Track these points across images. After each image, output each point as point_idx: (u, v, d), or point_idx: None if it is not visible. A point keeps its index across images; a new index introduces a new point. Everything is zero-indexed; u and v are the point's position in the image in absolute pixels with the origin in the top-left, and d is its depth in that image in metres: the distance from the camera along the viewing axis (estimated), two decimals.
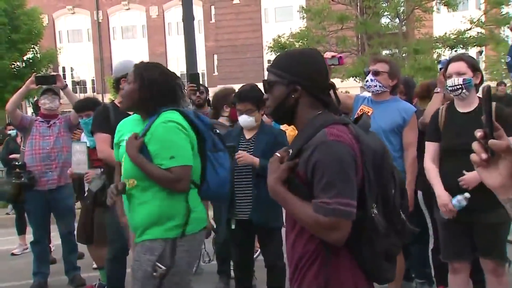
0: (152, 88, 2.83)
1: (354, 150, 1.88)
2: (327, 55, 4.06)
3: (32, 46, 18.50)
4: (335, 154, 1.84)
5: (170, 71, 3.00)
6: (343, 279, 1.92)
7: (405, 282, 4.61)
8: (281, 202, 1.95)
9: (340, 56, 4.01)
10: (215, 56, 37.71)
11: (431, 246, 4.62)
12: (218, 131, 2.90)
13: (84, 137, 5.21)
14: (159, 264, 2.72)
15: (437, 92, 4.20)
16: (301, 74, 2.00)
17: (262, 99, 4.15)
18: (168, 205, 2.77)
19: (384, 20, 21.92)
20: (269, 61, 33.89)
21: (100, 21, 39.98)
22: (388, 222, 1.97)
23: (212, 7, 37.50)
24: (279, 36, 20.93)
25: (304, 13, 21.02)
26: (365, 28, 19.87)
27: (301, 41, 19.89)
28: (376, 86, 4.08)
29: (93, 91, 37.73)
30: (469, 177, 3.42)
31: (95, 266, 5.60)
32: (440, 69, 4.42)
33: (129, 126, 3.13)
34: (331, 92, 2.07)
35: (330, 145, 1.85)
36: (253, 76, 31.08)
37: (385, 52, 20.39)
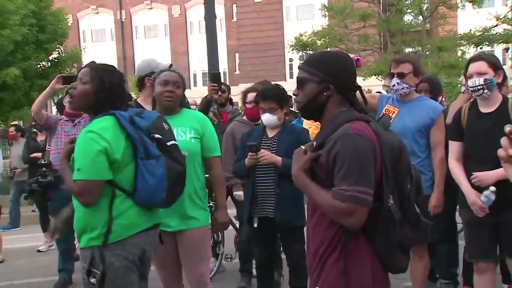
0: (112, 91, 2.82)
1: (374, 144, 2.03)
2: None
3: (58, 46, 18.75)
4: (355, 146, 1.99)
5: (121, 73, 2.99)
6: (362, 265, 2.06)
7: (429, 282, 4.56)
8: (302, 189, 2.13)
9: (358, 58, 3.99)
10: (237, 55, 37.76)
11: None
12: (158, 135, 2.83)
13: None
14: (95, 270, 2.75)
15: (462, 93, 4.16)
16: (334, 74, 2.14)
17: (285, 97, 4.16)
18: (89, 214, 2.77)
19: (407, 18, 21.71)
20: (290, 59, 33.86)
21: (123, 20, 40.33)
22: (403, 215, 2.10)
23: (234, 5, 37.55)
24: (301, 35, 20.86)
25: (326, 11, 20.92)
26: (388, 26, 19.70)
27: (323, 39, 19.81)
28: (403, 88, 4.00)
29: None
30: (483, 174, 3.40)
31: None
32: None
33: None
34: (358, 92, 2.23)
35: (351, 137, 2.00)
36: (275, 74, 31.06)
37: (408, 50, 20.21)
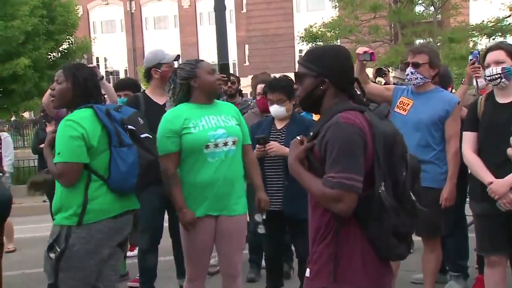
0: (86, 86, 3.11)
1: (364, 132, 2.09)
2: (359, 50, 4.01)
3: (67, 36, 18.81)
4: (344, 133, 2.06)
5: (93, 69, 3.38)
6: (352, 251, 2.12)
7: (439, 275, 4.54)
8: (297, 178, 2.20)
9: (372, 52, 3.98)
10: (246, 46, 37.68)
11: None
12: (131, 126, 3.10)
13: None
14: (56, 247, 3.03)
15: (462, 84, 4.12)
16: (329, 68, 2.22)
17: (293, 89, 4.14)
18: (66, 195, 3.05)
19: (419, 9, 21.49)
20: (300, 51, 33.66)
21: (133, 11, 40.37)
22: (398, 202, 2.13)
23: None
24: (310, 26, 20.74)
25: (336, 2, 20.76)
26: (399, 17, 19.52)
27: (333, 30, 19.68)
28: (417, 78, 3.96)
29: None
30: (496, 185, 3.38)
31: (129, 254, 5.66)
32: (470, 60, 4.33)
33: (189, 111, 3.46)
34: (356, 85, 2.30)
35: (340, 126, 2.08)
36: (285, 66, 30.95)
37: (418, 41, 20.02)
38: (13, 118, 20.75)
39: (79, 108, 3.08)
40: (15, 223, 7.30)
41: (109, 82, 16.15)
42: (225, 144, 3.42)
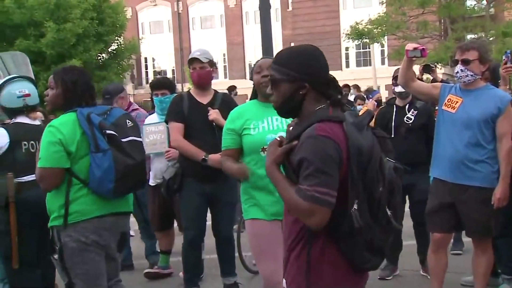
0: (75, 89, 3.21)
1: (340, 146, 2.02)
2: (409, 46, 3.89)
3: (116, 38, 19.26)
4: (319, 147, 2.00)
5: (84, 70, 3.44)
6: (323, 263, 2.09)
7: (491, 277, 4.40)
8: (272, 181, 2.15)
9: (423, 48, 3.85)
10: (292, 45, 37.44)
11: None
12: (110, 131, 3.11)
13: (153, 118, 5.29)
14: (55, 247, 3.23)
15: (499, 86, 3.98)
16: (307, 71, 2.12)
17: None
18: (51, 198, 3.22)
19: (470, 3, 20.91)
20: (346, 48, 33.35)
21: (180, 12, 40.83)
22: (373, 217, 2.08)
23: None
24: (356, 23, 20.49)
25: None
26: (449, 12, 19.03)
27: (379, 27, 19.38)
28: (467, 75, 3.84)
29: (174, 81, 38.67)
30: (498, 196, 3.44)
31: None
32: (503, 60, 4.18)
33: (253, 110, 3.37)
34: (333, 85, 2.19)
35: (316, 138, 2.01)
36: (331, 64, 30.00)
37: (470, 36, 19.49)
38: None
39: (66, 112, 3.19)
40: None
41: None
42: None
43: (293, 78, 2.13)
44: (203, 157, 4.18)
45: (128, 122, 3.27)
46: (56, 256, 3.25)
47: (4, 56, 4.43)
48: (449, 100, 3.93)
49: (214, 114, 4.30)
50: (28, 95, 4.01)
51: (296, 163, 2.04)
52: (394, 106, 4.99)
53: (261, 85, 3.37)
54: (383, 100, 9.99)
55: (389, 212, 2.14)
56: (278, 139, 2.18)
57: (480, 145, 3.81)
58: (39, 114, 4.21)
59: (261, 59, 3.57)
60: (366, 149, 2.06)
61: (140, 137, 3.34)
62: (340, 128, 2.05)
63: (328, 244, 2.09)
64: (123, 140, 3.18)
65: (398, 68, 5.58)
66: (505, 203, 3.84)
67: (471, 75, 3.85)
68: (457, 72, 3.89)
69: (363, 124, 2.11)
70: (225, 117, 3.75)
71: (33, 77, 4.29)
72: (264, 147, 3.21)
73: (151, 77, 37.62)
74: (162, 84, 5.20)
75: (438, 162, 3.99)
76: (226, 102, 4.44)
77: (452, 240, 5.03)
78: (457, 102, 3.89)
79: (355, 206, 2.03)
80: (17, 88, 4.00)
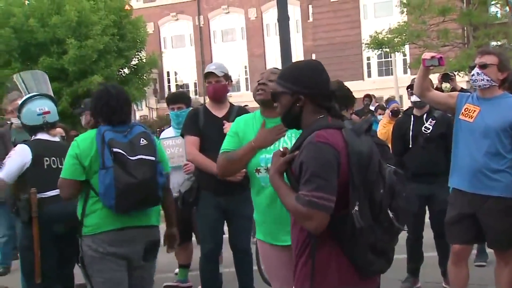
0: (101, 111, 3.41)
1: (339, 152, 2.12)
2: (426, 56, 3.85)
3: (137, 53, 19.50)
4: (317, 153, 2.10)
5: (109, 88, 3.50)
6: (330, 269, 2.16)
7: None
8: (275, 190, 2.25)
9: (441, 57, 3.79)
10: (313, 55, 37.50)
11: None
12: (117, 149, 3.23)
13: (169, 132, 5.31)
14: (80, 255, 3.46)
15: None
16: (304, 85, 2.26)
17: (349, 97, 4.01)
18: (78, 208, 3.45)
19: (492, 10, 20.66)
20: (368, 58, 33.19)
21: (202, 25, 41.18)
22: (375, 220, 2.15)
23: (310, 6, 37.36)
24: (376, 33, 20.40)
25: (403, 8, 20.30)
26: (470, 19, 18.82)
27: (399, 36, 19.25)
28: (483, 80, 3.76)
29: (195, 94, 38.97)
30: None
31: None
32: None
33: (257, 123, 3.12)
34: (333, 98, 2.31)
35: (315, 146, 2.11)
36: (352, 73, 30.56)
37: (492, 43, 19.22)
38: None
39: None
40: None
41: None
42: None
43: (291, 91, 2.29)
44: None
45: (142, 141, 3.35)
46: (80, 264, 3.49)
47: (24, 75, 4.53)
48: (466, 110, 3.86)
49: (229, 127, 4.27)
50: (48, 112, 4.09)
51: (297, 169, 2.15)
52: (412, 116, 4.94)
53: (256, 92, 3.24)
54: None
55: (391, 214, 2.20)
56: (282, 149, 2.29)
57: (500, 154, 3.74)
58: (58, 130, 4.30)
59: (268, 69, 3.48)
60: (365, 153, 2.15)
61: (153, 156, 3.34)
62: (339, 135, 2.17)
63: (334, 249, 2.16)
64: (132, 158, 3.25)
65: (415, 78, 5.54)
66: None
67: (487, 80, 3.76)
68: (473, 75, 3.80)
69: (362, 130, 2.21)
70: None
71: (52, 94, 4.38)
72: (258, 168, 3.04)
73: (173, 90, 37.93)
74: (178, 98, 5.23)
75: (456, 172, 3.92)
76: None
77: (476, 252, 4.93)
78: (474, 111, 3.82)
79: (356, 208, 2.11)
80: (37, 105, 4.09)
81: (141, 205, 3.37)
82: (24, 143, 4.10)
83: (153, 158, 3.33)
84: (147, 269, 3.59)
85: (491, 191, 3.75)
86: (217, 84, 4.41)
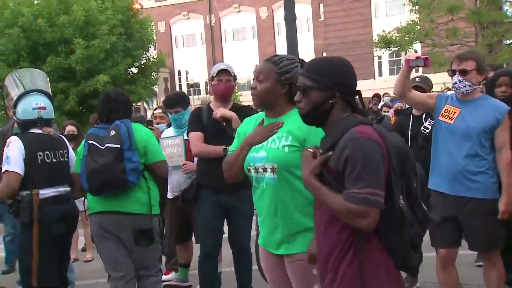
0: (102, 114, 4.03)
1: (382, 146, 2.10)
2: (411, 56, 3.84)
3: (144, 52, 19.56)
4: (365, 149, 2.06)
5: (108, 91, 4.17)
6: (376, 266, 2.11)
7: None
8: (314, 193, 2.18)
9: (426, 57, 3.80)
10: (324, 54, 37.41)
11: None
12: (90, 141, 3.85)
13: (169, 132, 5.33)
14: None
15: None
16: (340, 81, 2.21)
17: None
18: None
19: (504, 8, 20.44)
20: (379, 57, 32.98)
21: (213, 24, 41.26)
22: (412, 213, 2.14)
23: (321, 4, 37.26)
24: (384, 32, 20.27)
25: (412, 6, 20.14)
26: (479, 18, 18.62)
27: (407, 35, 19.11)
28: (465, 86, 3.77)
29: (207, 93, 39.06)
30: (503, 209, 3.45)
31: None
32: None
33: (256, 122, 2.99)
34: (357, 97, 2.28)
35: (360, 141, 2.07)
36: (364, 72, 30.40)
37: (506, 42, 19.03)
38: None
39: None
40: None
41: (190, 95, 16.70)
42: (264, 170, 2.80)
43: (325, 86, 2.21)
44: (224, 149, 4.03)
45: (112, 132, 3.83)
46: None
47: (21, 72, 4.47)
48: (446, 111, 3.86)
49: (221, 111, 4.20)
50: (44, 108, 4.09)
51: (340, 167, 2.09)
52: (411, 115, 4.94)
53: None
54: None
55: (424, 206, 2.19)
56: (311, 150, 2.21)
57: (480, 156, 3.74)
58: (50, 129, 4.23)
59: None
60: (402, 146, 2.17)
61: (118, 144, 3.77)
62: (373, 130, 2.14)
63: (378, 246, 2.12)
64: (101, 147, 3.80)
65: (414, 77, 5.49)
66: (510, 215, 3.75)
67: (469, 86, 3.78)
68: (455, 83, 3.82)
69: (390, 126, 2.23)
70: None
71: (50, 93, 4.34)
72: (249, 168, 2.89)
73: (184, 89, 38.04)
74: (174, 103, 5.19)
75: (436, 174, 3.91)
76: (244, 113, 4.25)
77: (476, 252, 4.88)
78: (454, 112, 3.82)
79: (402, 201, 2.10)
80: (33, 100, 4.08)
81: (107, 187, 3.81)
82: (16, 136, 4.06)
83: (117, 146, 3.76)
84: (145, 252, 3.96)
85: (472, 193, 3.74)
86: (228, 83, 4.43)
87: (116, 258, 3.91)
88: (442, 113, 3.87)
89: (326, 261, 2.20)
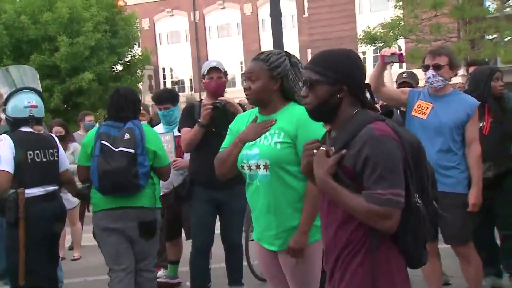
0: (109, 112, 4.11)
1: (399, 143, 2.03)
2: (386, 52, 3.89)
3: (129, 49, 19.46)
4: (386, 148, 1.99)
5: (118, 89, 4.22)
6: (388, 265, 2.07)
7: (495, 278, 4.49)
8: (331, 193, 2.06)
9: (401, 53, 3.89)
10: (309, 51, 37.49)
11: None
12: (103, 141, 3.89)
13: (159, 128, 5.32)
14: None
15: None
16: (348, 74, 2.10)
17: None
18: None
19: (486, 4, 20.63)
20: (363, 53, 33.15)
21: (197, 21, 41.08)
22: (426, 211, 2.10)
23: (305, 1, 37.31)
24: (368, 28, 20.36)
25: (396, 2, 20.25)
26: (462, 13, 18.80)
27: (392, 31, 19.22)
28: (438, 81, 3.88)
29: (191, 90, 38.93)
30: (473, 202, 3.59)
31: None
32: None
33: (250, 119, 3.04)
34: (367, 91, 2.19)
35: (379, 140, 1.99)
36: None
37: (487, 37, 19.22)
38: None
39: None
40: (86, 231, 7.47)
41: None
42: (257, 167, 2.86)
43: (332, 80, 2.10)
44: (199, 122, 4.25)
45: (126, 135, 3.88)
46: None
47: (11, 69, 4.43)
48: (419, 106, 3.93)
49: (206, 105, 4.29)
50: (35, 106, 4.07)
51: (358, 167, 2.01)
52: (399, 110, 4.98)
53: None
54: None
55: (435, 203, 2.16)
56: (324, 149, 2.10)
57: (452, 151, 3.83)
58: (41, 128, 4.20)
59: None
60: (415, 142, 2.11)
61: (132, 149, 3.83)
62: (388, 126, 2.06)
63: (390, 246, 2.08)
64: (115, 149, 3.84)
65: (401, 73, 5.56)
66: (478, 208, 3.86)
67: (442, 80, 3.87)
68: (429, 78, 3.90)
69: (401, 122, 2.20)
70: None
71: (41, 90, 4.33)
72: (242, 165, 2.93)
73: (169, 87, 37.86)
74: (163, 99, 5.21)
75: None
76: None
77: None
78: (427, 108, 3.89)
79: (418, 200, 2.06)
80: (25, 98, 4.04)
81: (119, 189, 3.88)
82: (6, 134, 4.02)
83: (132, 151, 3.83)
84: (147, 244, 4.09)
85: (445, 187, 3.75)
86: (219, 80, 4.46)
87: (119, 251, 4.00)
88: (415, 109, 3.93)
89: (336, 259, 2.13)
